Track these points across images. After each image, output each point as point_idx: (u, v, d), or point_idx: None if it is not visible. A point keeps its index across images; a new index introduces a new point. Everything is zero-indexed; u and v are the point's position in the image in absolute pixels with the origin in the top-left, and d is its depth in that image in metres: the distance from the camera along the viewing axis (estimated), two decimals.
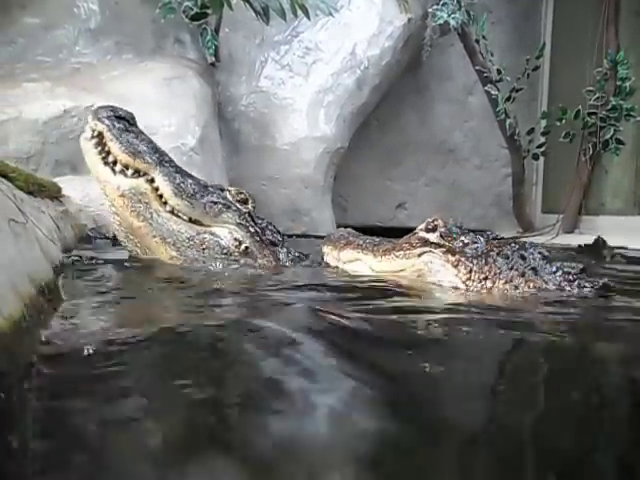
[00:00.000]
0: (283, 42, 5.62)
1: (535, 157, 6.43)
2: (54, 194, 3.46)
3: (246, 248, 2.69)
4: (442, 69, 6.60)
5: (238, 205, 2.76)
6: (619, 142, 5.88)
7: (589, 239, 5.53)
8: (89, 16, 4.97)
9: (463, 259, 2.16)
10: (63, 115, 4.11)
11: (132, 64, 4.78)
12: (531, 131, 6.31)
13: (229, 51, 5.52)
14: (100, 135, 2.65)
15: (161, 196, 2.67)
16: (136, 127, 2.77)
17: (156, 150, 2.73)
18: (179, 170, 2.76)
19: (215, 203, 2.71)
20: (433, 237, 2.29)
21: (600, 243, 3.56)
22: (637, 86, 5.83)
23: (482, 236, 2.25)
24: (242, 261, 2.67)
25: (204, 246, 2.66)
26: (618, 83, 5.85)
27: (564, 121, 6.06)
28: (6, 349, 0.98)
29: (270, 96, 5.52)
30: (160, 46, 5.17)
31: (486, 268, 2.10)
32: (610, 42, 5.98)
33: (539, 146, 6.35)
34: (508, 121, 6.00)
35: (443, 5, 5.52)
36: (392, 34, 5.57)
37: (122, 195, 2.66)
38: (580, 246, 3.69)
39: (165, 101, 4.40)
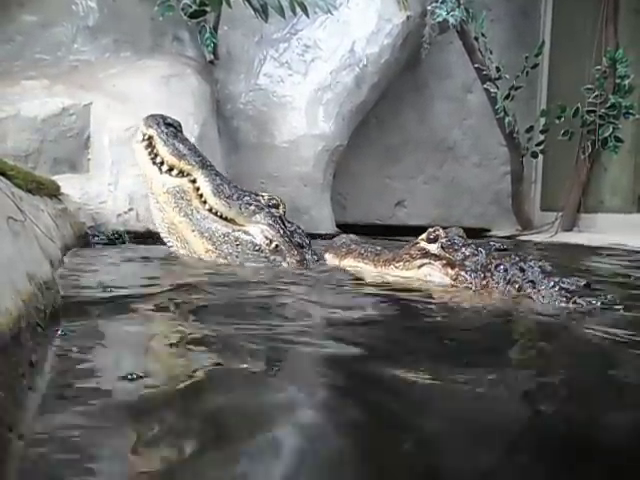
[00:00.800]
0: (282, 40, 5.61)
1: (534, 155, 6.43)
2: (53, 192, 3.45)
3: (276, 246, 2.90)
4: (441, 67, 6.59)
5: (271, 209, 3.01)
6: (618, 140, 5.88)
7: (588, 237, 5.54)
8: (87, 14, 4.96)
9: (462, 272, 2.17)
10: (61, 113, 4.11)
11: (130, 62, 4.77)
12: (530, 129, 6.31)
13: (228, 49, 5.51)
14: (150, 139, 2.99)
15: (201, 195, 2.96)
16: (182, 134, 3.09)
17: (199, 155, 3.04)
18: (219, 174, 3.06)
19: (249, 204, 2.97)
20: (434, 248, 2.30)
21: None
22: (636, 84, 5.84)
23: (484, 248, 2.23)
24: (272, 258, 2.89)
25: (238, 242, 2.91)
26: (617, 81, 5.85)
27: (563, 119, 6.07)
28: (4, 349, 0.98)
29: (269, 94, 5.51)
30: (158, 44, 5.16)
31: (484, 282, 2.10)
32: (609, 40, 5.98)
33: (538, 144, 6.36)
34: (507, 119, 6.00)
35: (442, 3, 5.51)
36: (391, 32, 5.56)
37: (167, 192, 2.96)
38: None
39: (163, 99, 4.39)
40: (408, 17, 5.57)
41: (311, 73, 5.52)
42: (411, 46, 5.79)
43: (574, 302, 1.93)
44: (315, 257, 2.98)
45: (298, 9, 4.55)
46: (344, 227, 5.80)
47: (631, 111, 5.81)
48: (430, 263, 2.28)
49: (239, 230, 2.93)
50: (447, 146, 6.91)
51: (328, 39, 5.54)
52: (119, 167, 4.01)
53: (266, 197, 3.08)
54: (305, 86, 5.49)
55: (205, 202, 2.95)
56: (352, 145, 5.85)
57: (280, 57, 5.59)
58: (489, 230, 7.06)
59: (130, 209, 3.92)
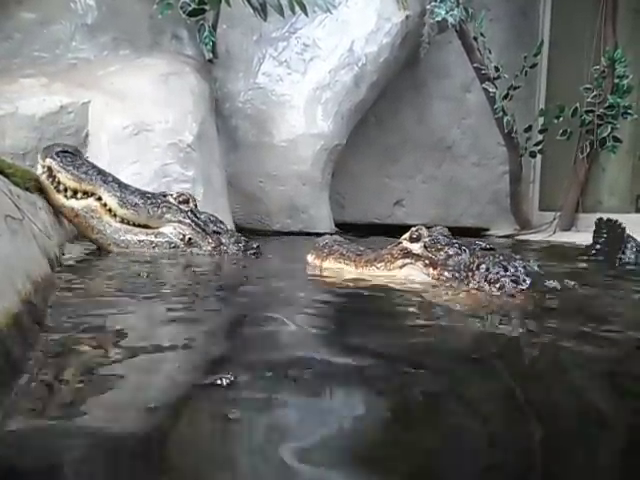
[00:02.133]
0: (281, 39, 5.60)
1: (532, 155, 6.44)
2: None
3: (189, 239, 3.18)
4: (440, 66, 6.60)
5: (180, 206, 3.23)
6: (616, 140, 5.89)
7: (586, 236, 5.53)
8: (86, 12, 4.95)
9: (444, 272, 2.14)
10: (60, 111, 4.10)
11: (129, 60, 4.77)
12: (529, 129, 6.31)
13: (226, 47, 5.50)
14: (49, 169, 3.09)
15: (110, 210, 3.13)
16: (80, 157, 3.22)
17: (99, 172, 3.17)
18: (122, 185, 3.20)
19: (157, 207, 3.19)
20: (416, 248, 2.26)
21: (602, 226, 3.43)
22: (634, 84, 5.84)
23: (468, 247, 2.20)
24: (189, 250, 3.17)
25: (154, 245, 3.16)
26: (616, 81, 5.86)
27: (561, 119, 6.07)
28: (2, 345, 0.98)
29: (268, 93, 5.51)
30: (157, 42, 5.16)
31: (465, 282, 2.08)
32: (608, 40, 5.98)
33: (536, 144, 6.36)
34: (506, 119, 6.01)
35: (441, 2, 5.51)
36: (390, 31, 5.56)
37: (77, 215, 3.12)
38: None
39: (162, 97, 4.38)
40: (407, 16, 5.57)
41: (310, 72, 5.52)
42: (410, 45, 5.79)
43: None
44: (233, 239, 3.24)
45: (297, 8, 4.55)
46: (343, 226, 5.81)
47: (629, 111, 5.82)
48: (412, 263, 2.25)
49: (152, 233, 3.17)
50: (446, 145, 6.91)
51: (327, 38, 5.54)
52: (117, 166, 4.00)
53: (174, 195, 3.27)
54: (304, 85, 5.49)
55: (115, 215, 3.13)
56: (351, 144, 5.85)
57: (279, 56, 5.58)
58: (487, 230, 7.07)
59: None
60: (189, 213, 3.22)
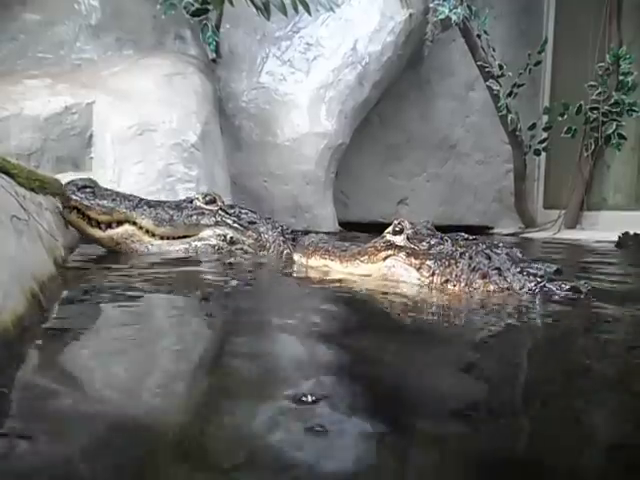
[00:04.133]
0: (284, 38, 5.60)
1: (537, 152, 6.42)
2: (56, 191, 3.45)
3: (231, 238, 3.21)
4: (443, 64, 6.58)
5: (208, 207, 3.25)
6: (621, 137, 5.86)
7: (591, 234, 5.53)
8: (90, 12, 4.96)
9: (426, 262, 2.15)
10: (64, 111, 4.11)
11: (133, 60, 4.77)
12: (533, 126, 6.29)
13: (230, 47, 5.51)
14: (77, 209, 3.11)
15: (147, 230, 3.17)
16: (100, 188, 3.22)
17: (125, 198, 3.20)
18: (151, 205, 3.23)
19: (190, 215, 3.22)
20: (399, 240, 2.28)
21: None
22: (639, 81, 5.82)
23: (451, 238, 2.21)
24: (232, 249, 3.21)
25: (199, 252, 3.19)
26: (620, 78, 5.83)
27: (566, 116, 6.05)
28: (9, 344, 0.98)
29: (271, 92, 5.51)
30: (161, 42, 5.16)
31: (448, 270, 2.08)
32: (612, 37, 5.96)
33: (541, 141, 6.34)
34: (510, 116, 5.99)
35: (444, 0, 5.50)
36: (393, 29, 5.55)
37: (118, 243, 3.17)
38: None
39: (166, 97, 4.39)
40: (410, 15, 5.56)
41: (313, 71, 5.52)
42: (413, 44, 5.78)
43: (542, 287, 1.93)
44: (270, 225, 3.26)
45: (300, 7, 4.55)
46: (346, 225, 5.81)
47: (634, 108, 5.79)
48: (394, 254, 2.26)
49: (194, 240, 3.21)
50: (450, 144, 6.90)
51: (330, 37, 5.53)
52: (121, 165, 4.02)
53: (201, 198, 3.28)
54: (307, 84, 5.49)
55: (154, 235, 3.19)
56: (354, 143, 5.85)
57: (282, 55, 5.58)
58: (492, 228, 7.06)
59: None
60: (219, 211, 3.25)
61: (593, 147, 6.06)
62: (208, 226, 3.21)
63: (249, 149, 5.45)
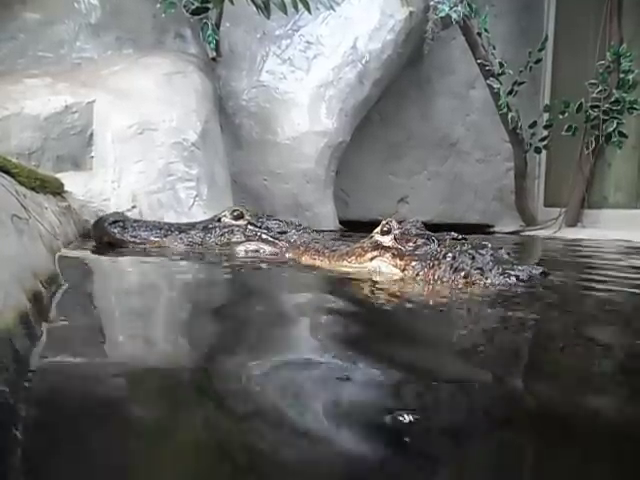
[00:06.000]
0: (284, 36, 5.60)
1: (537, 150, 6.42)
2: (56, 190, 3.46)
3: (264, 252, 3.12)
4: (444, 63, 6.58)
5: (237, 222, 3.21)
6: (622, 135, 5.86)
7: (592, 232, 5.53)
8: (89, 11, 4.96)
9: (411, 263, 2.17)
10: (64, 110, 4.11)
11: (133, 59, 4.77)
12: (533, 124, 6.29)
13: (230, 46, 5.50)
14: (109, 243, 3.17)
15: None
16: (128, 220, 3.28)
17: (158, 227, 3.23)
18: (182, 230, 3.23)
19: (221, 235, 3.19)
20: (387, 240, 2.30)
21: None
22: None
23: (438, 238, 2.22)
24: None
25: None
26: (621, 76, 5.82)
27: (566, 114, 6.04)
28: (11, 344, 0.98)
29: (271, 90, 5.51)
30: (161, 41, 5.16)
31: (431, 271, 2.10)
32: (613, 34, 5.95)
33: (541, 139, 6.34)
34: (510, 114, 5.98)
35: None
36: (393, 27, 5.54)
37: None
38: None
39: (166, 96, 4.39)
40: (410, 13, 5.55)
41: (313, 69, 5.52)
42: (414, 42, 5.77)
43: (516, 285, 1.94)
44: (308, 233, 3.17)
45: (300, 5, 4.54)
46: (347, 224, 5.81)
47: (635, 106, 5.78)
48: (380, 255, 2.29)
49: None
50: (450, 142, 6.89)
51: (330, 35, 5.53)
52: (122, 164, 4.02)
53: (228, 214, 3.25)
54: (307, 82, 5.49)
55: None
56: (355, 141, 5.85)
57: (282, 54, 5.58)
58: (492, 226, 7.06)
59: (133, 206, 3.93)
60: (248, 226, 3.20)
61: (594, 145, 6.06)
62: (239, 243, 3.17)
63: (249, 147, 5.45)
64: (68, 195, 3.69)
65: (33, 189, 2.69)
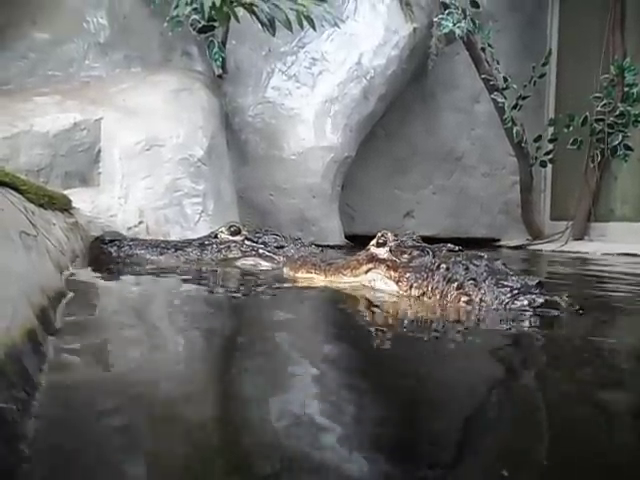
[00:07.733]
0: (289, 53, 5.66)
1: (543, 164, 6.42)
2: (64, 206, 3.49)
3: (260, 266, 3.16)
4: (448, 78, 6.61)
5: (234, 238, 3.24)
6: (627, 148, 5.85)
7: (599, 246, 5.51)
8: (98, 30, 5.04)
9: (405, 275, 2.17)
10: (73, 128, 4.15)
11: (141, 77, 4.83)
12: (538, 138, 6.30)
13: (236, 63, 5.56)
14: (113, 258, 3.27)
15: None
16: (125, 239, 3.35)
17: (154, 245, 3.29)
18: (178, 247, 3.29)
19: (218, 251, 3.22)
20: (382, 252, 2.30)
21: None
22: None
23: (433, 249, 2.22)
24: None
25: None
26: (625, 89, 5.84)
27: (572, 128, 6.06)
28: (19, 359, 0.99)
29: (277, 106, 5.55)
30: (168, 59, 5.23)
31: (425, 283, 2.10)
32: (616, 48, 5.98)
33: (547, 153, 6.34)
34: (515, 129, 6.00)
35: (448, 14, 5.54)
36: (398, 43, 5.59)
37: None
38: None
39: (173, 113, 4.43)
40: (414, 29, 5.60)
41: (319, 85, 5.56)
42: (418, 57, 5.82)
43: (515, 300, 1.90)
44: (306, 246, 3.23)
45: (305, 23, 4.59)
46: (353, 238, 5.81)
47: None
48: (375, 268, 2.30)
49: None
50: (455, 156, 6.91)
51: (335, 52, 5.58)
52: (129, 181, 4.05)
53: (225, 230, 3.29)
54: (313, 98, 5.53)
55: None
56: (360, 156, 5.87)
57: (288, 70, 5.63)
58: (499, 240, 7.03)
59: (140, 222, 3.95)
60: (244, 241, 3.24)
61: (599, 158, 6.06)
62: (236, 259, 3.20)
63: (255, 163, 5.48)
64: (76, 211, 3.72)
65: (41, 205, 2.72)
